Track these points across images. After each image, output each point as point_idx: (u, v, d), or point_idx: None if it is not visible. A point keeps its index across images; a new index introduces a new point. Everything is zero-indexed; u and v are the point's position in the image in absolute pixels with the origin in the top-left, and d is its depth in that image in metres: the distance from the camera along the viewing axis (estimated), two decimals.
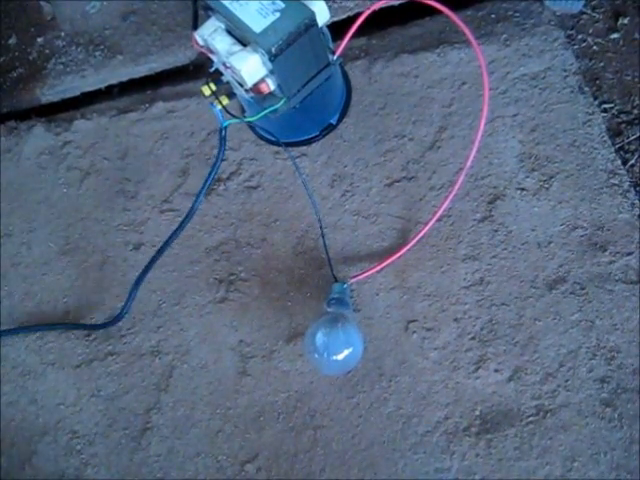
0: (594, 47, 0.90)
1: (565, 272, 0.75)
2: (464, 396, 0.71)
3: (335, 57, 0.73)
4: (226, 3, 0.66)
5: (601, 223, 0.76)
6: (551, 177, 0.80)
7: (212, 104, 0.71)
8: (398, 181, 0.84)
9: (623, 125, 0.84)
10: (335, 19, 0.91)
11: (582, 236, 0.76)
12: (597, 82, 0.87)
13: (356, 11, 0.93)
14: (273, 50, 0.64)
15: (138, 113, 0.96)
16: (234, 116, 0.73)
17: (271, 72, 0.67)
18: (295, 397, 0.75)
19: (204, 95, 0.70)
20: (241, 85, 0.69)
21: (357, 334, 0.71)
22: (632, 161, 0.81)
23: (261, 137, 0.90)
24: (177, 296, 0.83)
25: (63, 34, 1.06)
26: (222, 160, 0.77)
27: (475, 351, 0.73)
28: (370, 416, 0.73)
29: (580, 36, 0.91)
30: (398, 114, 0.87)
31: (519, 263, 0.76)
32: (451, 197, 0.78)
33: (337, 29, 0.77)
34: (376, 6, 0.71)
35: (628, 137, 0.83)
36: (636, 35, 0.89)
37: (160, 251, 0.80)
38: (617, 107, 0.85)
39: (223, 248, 0.84)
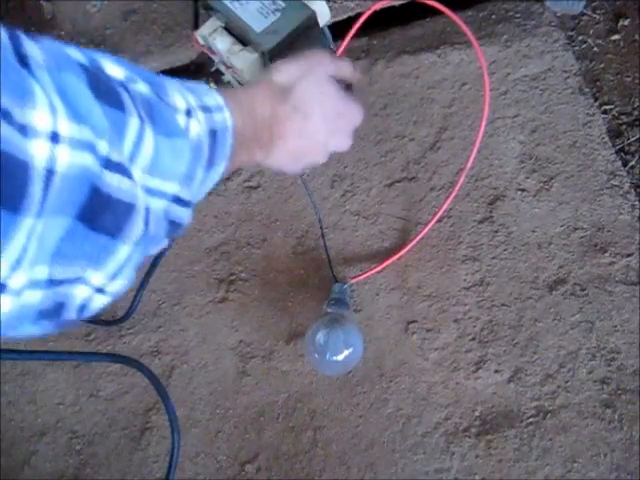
0: (594, 48, 0.90)
1: (565, 273, 0.75)
2: (464, 397, 0.71)
3: None
4: (227, 2, 0.66)
5: (601, 224, 0.76)
6: (551, 178, 0.80)
7: None
8: (398, 181, 0.84)
9: (623, 126, 0.84)
10: (336, 19, 0.91)
11: (582, 237, 0.76)
12: (597, 83, 0.87)
13: (357, 11, 0.93)
14: (273, 50, 0.63)
15: None
16: None
17: None
18: (295, 397, 0.75)
19: None
20: (241, 85, 0.69)
21: (357, 334, 0.71)
22: (632, 162, 0.81)
23: None
24: (177, 296, 0.83)
25: (63, 33, 1.06)
26: None
27: (475, 352, 0.73)
28: (370, 416, 0.72)
29: (581, 37, 0.91)
30: (399, 114, 0.87)
31: (519, 264, 0.76)
32: (451, 198, 0.78)
33: (338, 29, 0.76)
34: (377, 6, 0.71)
35: (628, 138, 0.83)
36: (636, 37, 0.89)
37: (162, 250, 0.80)
38: (617, 108, 0.85)
39: (223, 248, 0.84)
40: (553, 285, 0.75)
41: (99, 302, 0.31)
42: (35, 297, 0.27)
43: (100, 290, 0.30)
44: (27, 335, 0.31)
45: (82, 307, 0.31)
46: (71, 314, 0.30)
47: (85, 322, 0.83)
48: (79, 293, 0.30)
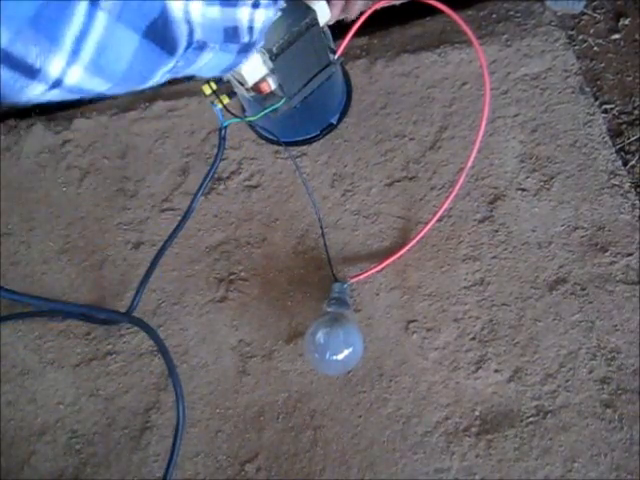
0: (595, 48, 0.90)
1: (566, 273, 0.75)
2: (464, 396, 0.71)
3: (336, 56, 0.73)
4: None
5: (602, 224, 0.76)
6: (552, 177, 0.80)
7: (213, 103, 0.71)
8: (399, 181, 0.84)
9: (624, 126, 0.84)
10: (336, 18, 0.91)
11: (583, 237, 0.76)
12: (598, 83, 0.87)
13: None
14: (274, 49, 0.63)
15: (138, 112, 0.96)
16: (234, 115, 0.73)
17: (272, 71, 0.67)
18: (295, 397, 0.75)
19: (205, 94, 0.70)
20: (242, 84, 0.69)
21: (357, 334, 0.71)
22: (633, 162, 0.81)
23: (262, 136, 0.90)
24: (177, 295, 0.83)
25: None
26: (221, 159, 0.77)
27: (475, 351, 0.73)
28: (370, 416, 0.72)
29: (581, 37, 0.91)
30: (399, 114, 0.87)
31: (519, 263, 0.76)
32: (452, 197, 0.78)
33: (338, 28, 0.76)
34: (377, 6, 0.71)
35: (629, 138, 0.83)
36: (637, 36, 0.89)
37: (162, 250, 0.80)
38: (618, 108, 0.85)
39: (223, 247, 0.84)
40: (553, 285, 0.75)
41: (260, 18, 0.39)
42: (215, 12, 0.34)
43: (255, 5, 0.37)
44: (222, 65, 0.40)
45: (250, 27, 0.38)
46: (245, 36, 0.38)
47: (84, 321, 0.83)
48: (244, 14, 0.37)
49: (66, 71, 0.31)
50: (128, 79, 0.34)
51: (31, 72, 0.30)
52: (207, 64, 0.40)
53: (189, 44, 0.35)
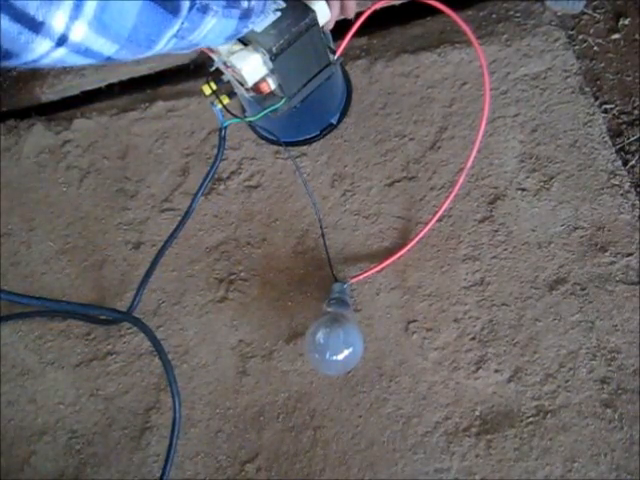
0: (595, 48, 0.90)
1: (565, 273, 0.75)
2: (464, 396, 0.71)
3: (336, 57, 0.73)
4: None
5: (602, 224, 0.76)
6: (552, 177, 0.80)
7: (213, 103, 0.71)
8: (398, 181, 0.84)
9: (624, 126, 0.84)
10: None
11: (582, 237, 0.76)
12: (598, 83, 0.87)
13: (357, 11, 0.93)
14: (274, 49, 0.63)
15: (138, 112, 0.96)
16: (234, 115, 0.73)
17: (272, 71, 0.67)
18: (295, 397, 0.75)
19: (205, 94, 0.70)
20: (242, 84, 0.69)
21: (357, 334, 0.71)
22: (632, 162, 0.81)
23: (262, 136, 0.90)
24: (177, 296, 0.83)
25: None
26: (221, 160, 0.76)
27: (475, 351, 0.73)
28: (370, 416, 0.72)
29: (581, 36, 0.91)
30: (399, 114, 0.87)
31: (519, 263, 0.76)
32: (452, 197, 0.78)
33: (338, 28, 0.76)
34: (377, 6, 0.71)
35: (629, 138, 0.83)
36: (637, 36, 0.89)
37: (162, 250, 0.80)
38: (618, 108, 0.85)
39: (223, 247, 0.84)
40: (553, 284, 0.75)
41: None
42: None
43: None
44: (226, 32, 0.41)
45: None
46: (244, 0, 0.39)
47: (84, 321, 0.83)
48: None
49: (70, 26, 0.32)
50: (134, 41, 0.35)
51: (34, 25, 0.30)
52: (211, 30, 0.41)
53: (192, 4, 0.36)
